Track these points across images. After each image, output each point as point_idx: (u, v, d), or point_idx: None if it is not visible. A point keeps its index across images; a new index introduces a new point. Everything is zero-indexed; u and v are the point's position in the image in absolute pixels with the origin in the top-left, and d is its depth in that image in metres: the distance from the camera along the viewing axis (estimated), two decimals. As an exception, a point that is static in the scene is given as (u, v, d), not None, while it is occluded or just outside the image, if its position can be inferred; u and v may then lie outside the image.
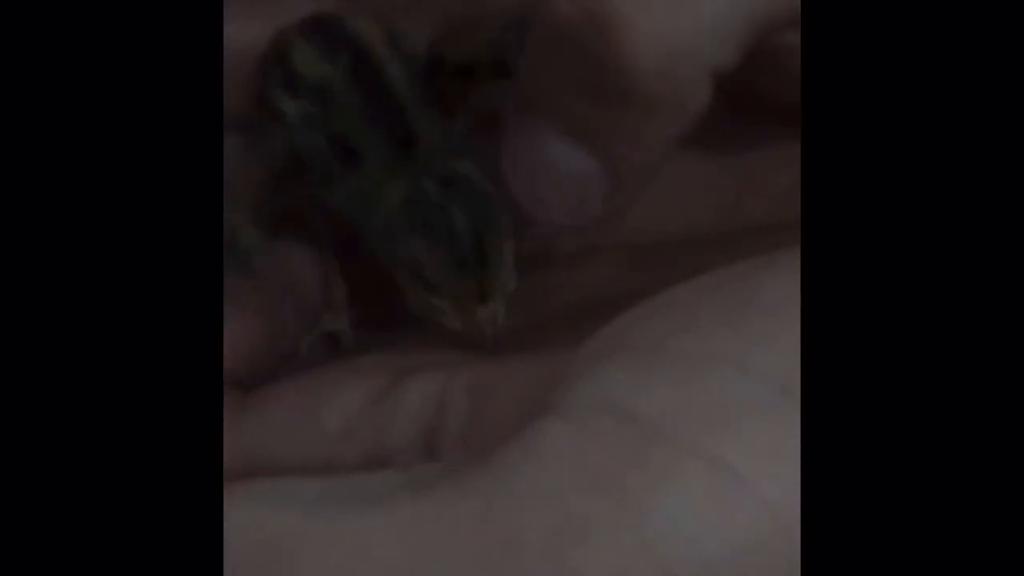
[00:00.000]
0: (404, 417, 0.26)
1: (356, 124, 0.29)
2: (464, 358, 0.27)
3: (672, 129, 0.26)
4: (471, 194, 0.28)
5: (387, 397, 0.27)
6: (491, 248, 0.28)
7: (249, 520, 0.22)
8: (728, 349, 0.22)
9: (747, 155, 0.31)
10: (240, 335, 0.28)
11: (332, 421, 0.27)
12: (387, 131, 0.29)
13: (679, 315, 0.23)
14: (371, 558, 0.21)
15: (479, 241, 0.28)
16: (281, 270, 0.30)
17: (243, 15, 0.30)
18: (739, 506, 0.21)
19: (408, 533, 0.21)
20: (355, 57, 0.30)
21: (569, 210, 0.28)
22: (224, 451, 0.27)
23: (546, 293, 0.30)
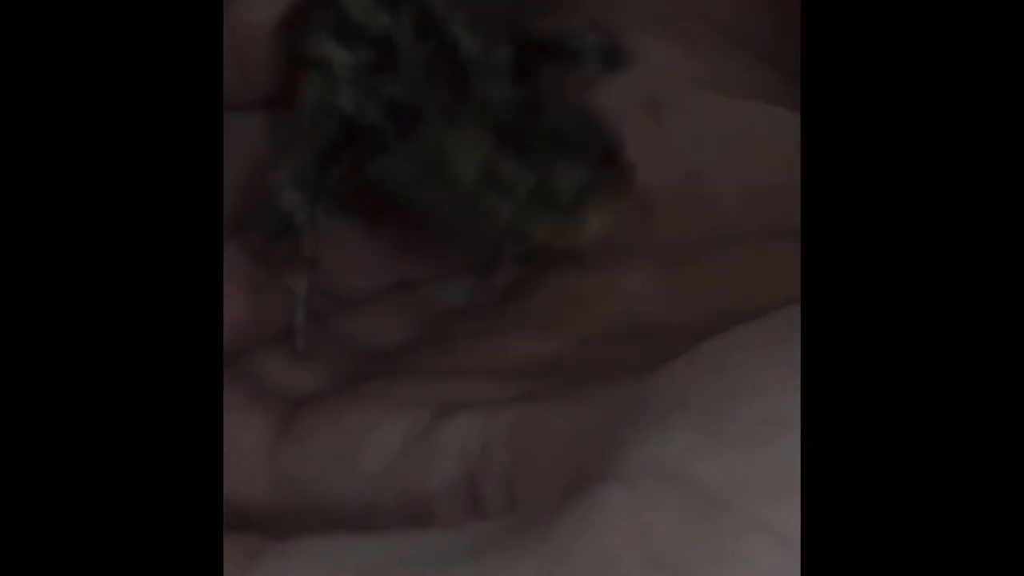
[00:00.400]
0: (445, 459, 0.26)
1: (419, 83, 0.28)
2: (505, 388, 0.27)
3: None
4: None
5: (428, 437, 0.26)
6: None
7: None
8: (794, 416, 0.21)
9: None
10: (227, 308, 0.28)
11: (373, 461, 0.27)
12: (453, 92, 0.28)
13: (740, 373, 0.22)
14: None
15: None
16: None
17: None
18: None
19: None
20: (417, 8, 0.28)
21: None
22: (261, 477, 0.27)
23: (579, 302, 0.30)
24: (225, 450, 0.26)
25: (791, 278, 0.26)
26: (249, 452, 0.28)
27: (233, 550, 0.22)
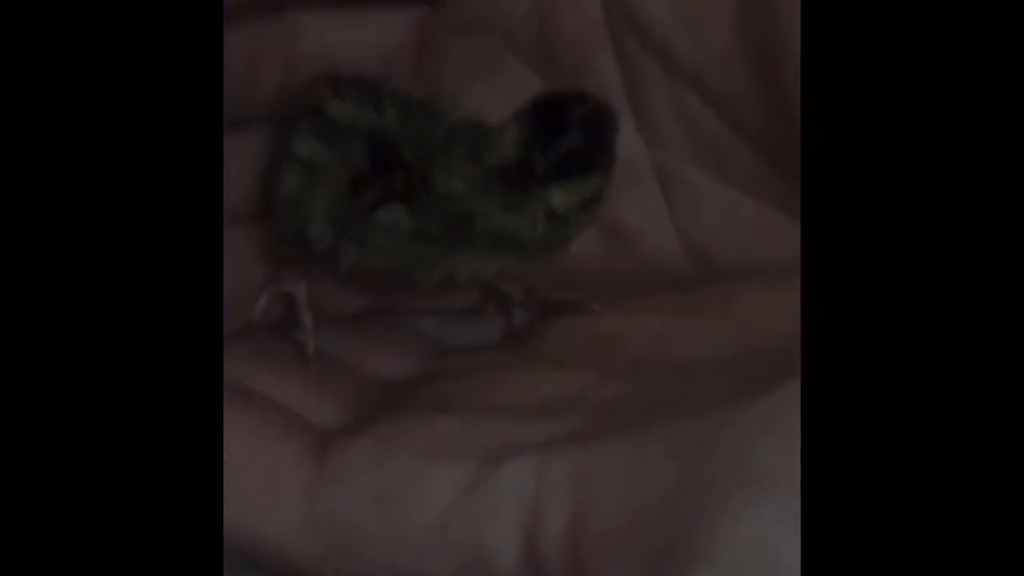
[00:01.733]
0: (500, 514, 0.25)
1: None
2: (542, 428, 0.26)
3: None
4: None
5: (479, 489, 0.25)
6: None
7: None
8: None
9: None
10: None
11: (422, 515, 0.26)
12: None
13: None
14: None
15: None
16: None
17: None
18: None
19: None
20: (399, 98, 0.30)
21: None
22: (300, 519, 0.26)
23: (599, 342, 0.30)
24: (255, 481, 0.26)
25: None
26: (282, 487, 0.27)
27: None
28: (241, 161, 0.32)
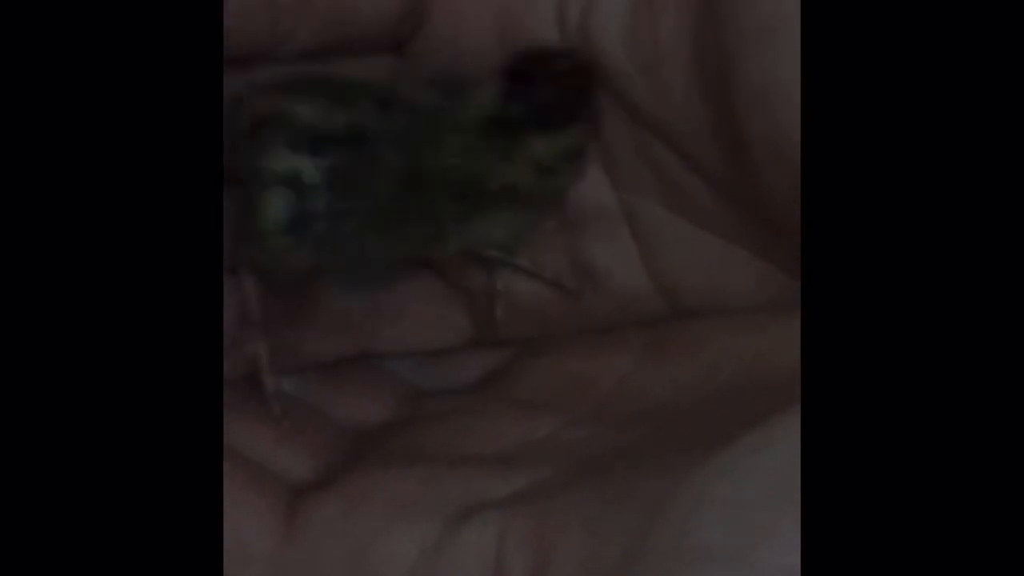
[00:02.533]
0: (465, 574, 0.25)
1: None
2: (510, 480, 0.26)
3: None
4: None
5: (442, 551, 0.26)
6: None
7: None
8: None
9: None
10: None
11: (390, 574, 0.26)
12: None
13: (759, 518, 0.22)
14: None
15: None
16: None
17: None
18: None
19: None
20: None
21: None
22: None
23: (567, 385, 0.30)
24: (225, 545, 0.25)
25: (776, 356, 0.27)
26: (249, 548, 0.27)
27: None
28: None
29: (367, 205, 0.29)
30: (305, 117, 0.29)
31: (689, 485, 0.23)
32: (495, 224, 0.30)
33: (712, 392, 0.28)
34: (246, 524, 0.27)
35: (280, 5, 0.29)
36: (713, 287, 0.31)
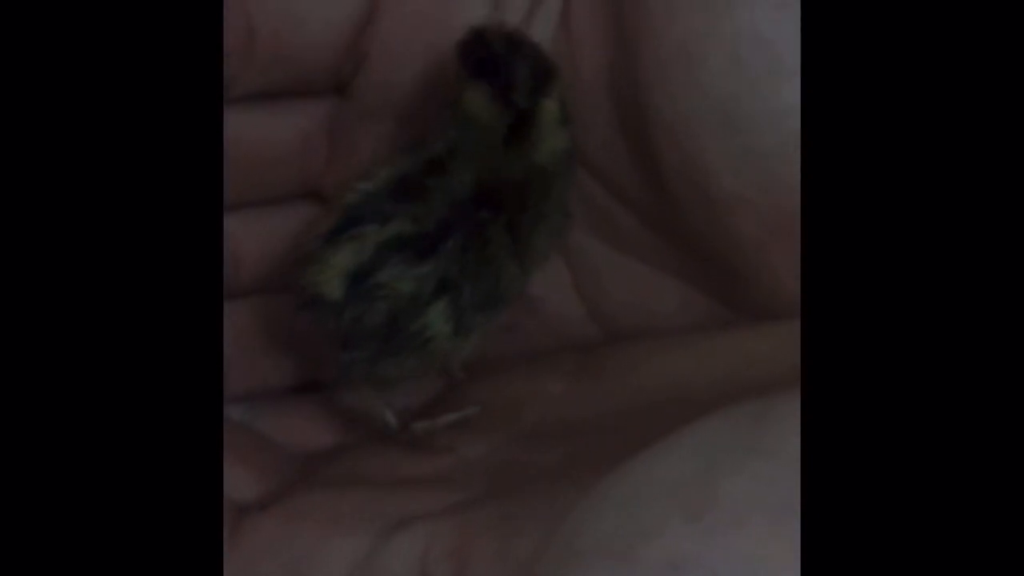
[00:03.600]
0: None
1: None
2: (442, 496, 0.27)
3: None
4: None
5: (373, 562, 0.27)
6: None
7: None
8: (702, 556, 0.22)
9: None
10: None
11: None
12: None
13: (649, 514, 0.23)
14: None
15: None
16: None
17: None
18: None
19: None
20: None
21: None
22: None
23: (505, 407, 0.31)
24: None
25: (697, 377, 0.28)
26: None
27: None
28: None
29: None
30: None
31: (592, 491, 0.24)
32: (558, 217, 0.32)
33: (637, 411, 0.29)
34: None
35: (227, 50, 0.30)
36: (642, 311, 0.32)
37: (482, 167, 0.30)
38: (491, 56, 0.30)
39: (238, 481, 0.31)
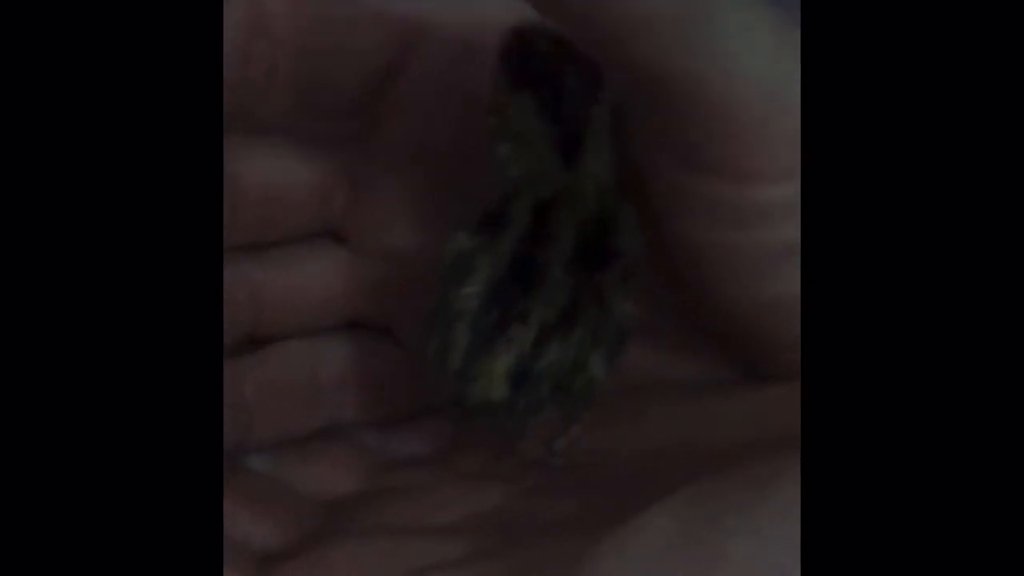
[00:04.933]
0: None
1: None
2: (454, 548, 0.28)
3: None
4: None
5: None
6: None
7: None
8: None
9: None
10: None
11: None
12: None
13: (659, 570, 0.23)
14: None
15: None
16: None
17: None
18: None
19: None
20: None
21: None
22: None
23: (516, 455, 0.32)
24: None
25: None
26: None
27: None
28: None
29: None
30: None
31: (604, 544, 0.25)
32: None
33: (647, 458, 0.29)
34: None
35: (251, 75, 0.31)
36: (653, 364, 0.32)
37: (543, 189, 0.30)
38: (537, 63, 0.29)
39: (264, 531, 0.31)
